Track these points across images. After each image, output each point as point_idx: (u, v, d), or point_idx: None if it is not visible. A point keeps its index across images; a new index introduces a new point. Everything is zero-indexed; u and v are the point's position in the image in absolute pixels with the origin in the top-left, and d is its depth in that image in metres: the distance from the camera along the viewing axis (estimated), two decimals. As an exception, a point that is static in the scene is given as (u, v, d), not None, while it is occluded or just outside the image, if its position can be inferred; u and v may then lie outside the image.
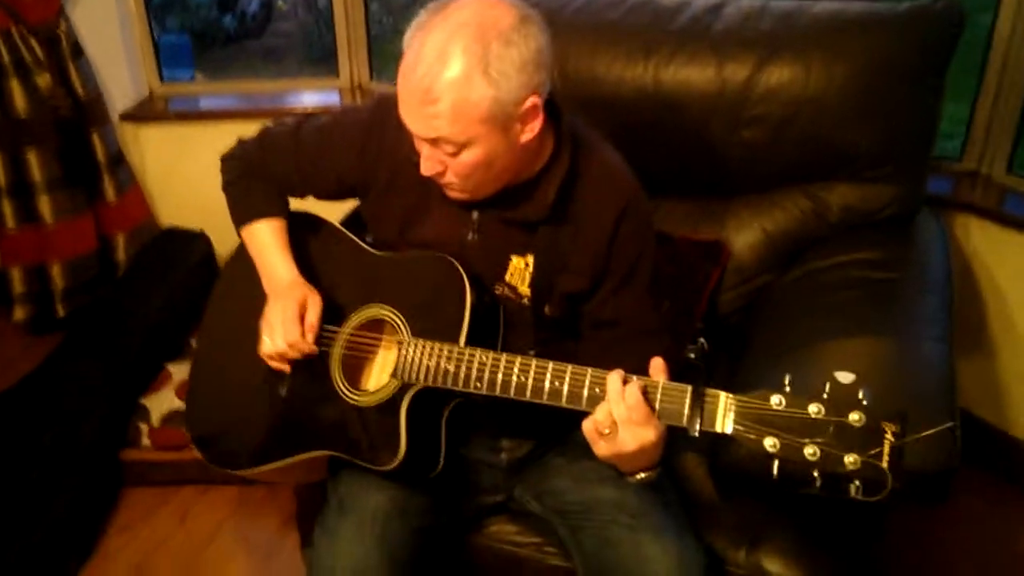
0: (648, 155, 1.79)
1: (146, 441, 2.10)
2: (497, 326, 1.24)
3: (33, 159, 2.36)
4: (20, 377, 2.17)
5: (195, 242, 2.53)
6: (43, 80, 2.32)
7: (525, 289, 1.26)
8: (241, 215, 1.40)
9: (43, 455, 1.96)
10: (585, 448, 1.11)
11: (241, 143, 1.43)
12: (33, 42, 2.29)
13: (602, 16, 1.82)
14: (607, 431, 1.05)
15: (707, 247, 1.77)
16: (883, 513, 1.42)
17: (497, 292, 1.26)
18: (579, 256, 1.25)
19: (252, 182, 1.39)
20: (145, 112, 2.63)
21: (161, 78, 2.71)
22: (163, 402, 2.13)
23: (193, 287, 2.36)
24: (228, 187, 1.42)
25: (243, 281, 1.41)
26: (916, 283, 1.58)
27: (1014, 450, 2.05)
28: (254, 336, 1.31)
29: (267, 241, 1.36)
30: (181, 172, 2.66)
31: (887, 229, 1.72)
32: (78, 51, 2.39)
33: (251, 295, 1.37)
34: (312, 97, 2.70)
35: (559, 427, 1.25)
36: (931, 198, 1.89)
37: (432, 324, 1.20)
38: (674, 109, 1.74)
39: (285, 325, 1.26)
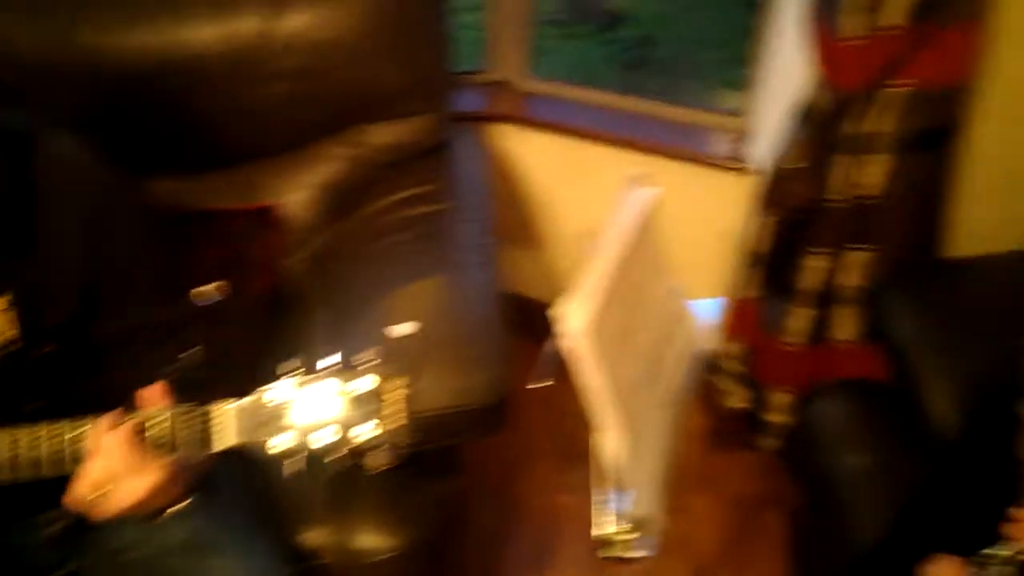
0: (168, 130, 1.62)
1: None
2: None
3: None
4: None
5: None
6: None
7: (11, 333, 1.06)
8: None
9: None
10: None
11: None
12: None
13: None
14: (102, 491, 0.90)
15: (257, 215, 1.66)
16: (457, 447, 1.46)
17: None
18: (59, 276, 1.06)
19: None
20: None
21: None
22: None
23: None
24: None
25: None
26: (459, 210, 1.62)
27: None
28: None
29: None
30: None
31: (428, 159, 1.73)
32: None
33: None
34: None
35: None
36: (466, 115, 1.96)
37: None
38: (184, 75, 1.57)
39: None
